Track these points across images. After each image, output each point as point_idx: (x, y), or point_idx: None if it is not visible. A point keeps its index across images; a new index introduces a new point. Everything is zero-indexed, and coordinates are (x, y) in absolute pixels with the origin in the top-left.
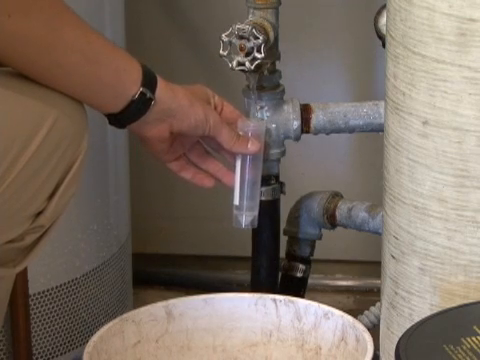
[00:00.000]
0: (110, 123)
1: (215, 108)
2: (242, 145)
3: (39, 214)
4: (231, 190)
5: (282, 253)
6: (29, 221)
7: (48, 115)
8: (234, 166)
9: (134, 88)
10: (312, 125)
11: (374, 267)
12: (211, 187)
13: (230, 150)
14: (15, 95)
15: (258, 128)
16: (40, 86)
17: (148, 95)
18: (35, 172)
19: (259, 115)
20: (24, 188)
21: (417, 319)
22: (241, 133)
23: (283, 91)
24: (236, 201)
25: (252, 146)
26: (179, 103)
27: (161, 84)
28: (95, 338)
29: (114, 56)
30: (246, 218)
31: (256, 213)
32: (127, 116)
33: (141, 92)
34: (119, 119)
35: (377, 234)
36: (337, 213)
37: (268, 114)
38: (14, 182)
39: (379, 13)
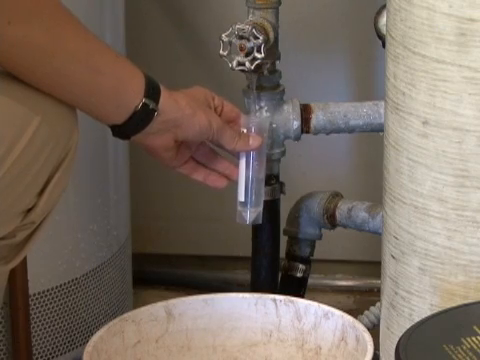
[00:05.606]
0: (114, 135)
1: (215, 109)
2: (244, 143)
3: (29, 210)
4: (232, 188)
5: (282, 253)
6: (19, 218)
7: (35, 113)
8: (238, 162)
9: (137, 99)
10: (312, 125)
11: (374, 267)
12: (223, 188)
13: (233, 151)
14: (1, 96)
15: (261, 124)
16: (28, 85)
17: (151, 106)
18: (23, 170)
19: (259, 115)
20: (13, 186)
21: (417, 319)
22: (244, 129)
23: (283, 91)
24: (241, 197)
25: (254, 142)
26: (183, 113)
27: (164, 94)
28: (95, 338)
29: (116, 66)
30: (251, 214)
31: (261, 209)
32: (130, 127)
33: (144, 103)
34: (123, 130)
35: (377, 234)
36: (337, 213)
37: (268, 114)
38: (2, 181)
39: (379, 13)
